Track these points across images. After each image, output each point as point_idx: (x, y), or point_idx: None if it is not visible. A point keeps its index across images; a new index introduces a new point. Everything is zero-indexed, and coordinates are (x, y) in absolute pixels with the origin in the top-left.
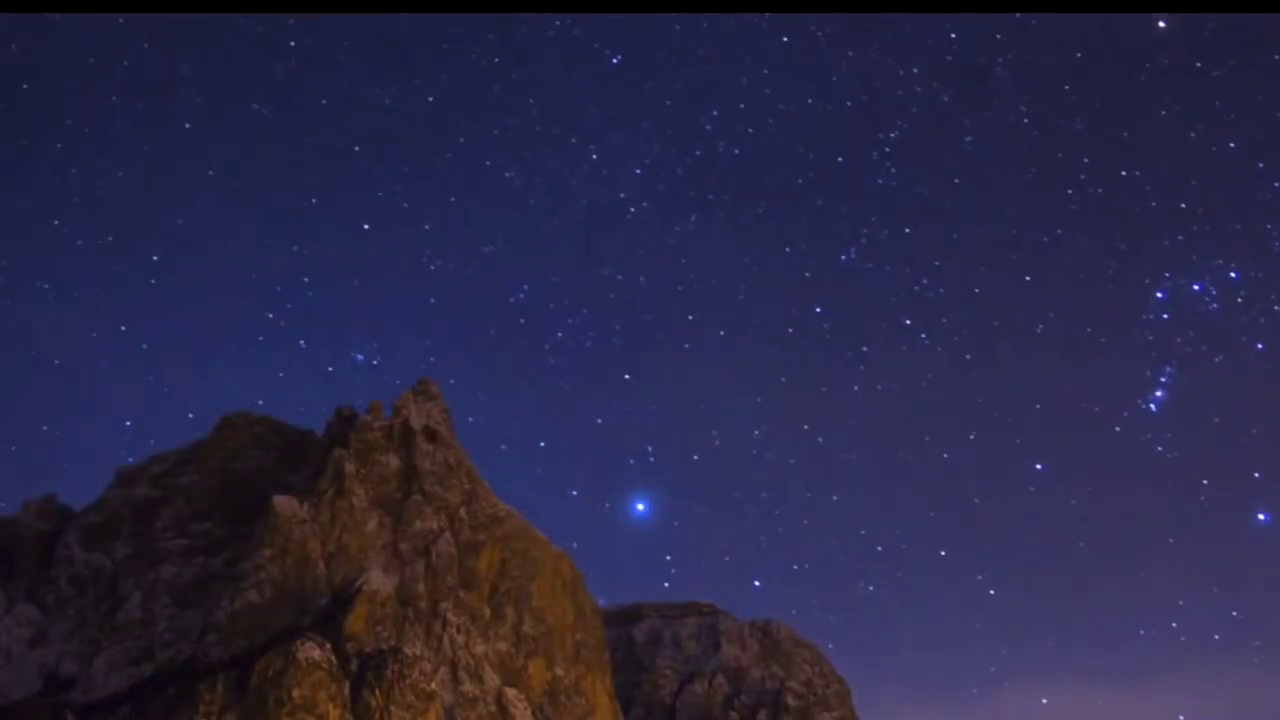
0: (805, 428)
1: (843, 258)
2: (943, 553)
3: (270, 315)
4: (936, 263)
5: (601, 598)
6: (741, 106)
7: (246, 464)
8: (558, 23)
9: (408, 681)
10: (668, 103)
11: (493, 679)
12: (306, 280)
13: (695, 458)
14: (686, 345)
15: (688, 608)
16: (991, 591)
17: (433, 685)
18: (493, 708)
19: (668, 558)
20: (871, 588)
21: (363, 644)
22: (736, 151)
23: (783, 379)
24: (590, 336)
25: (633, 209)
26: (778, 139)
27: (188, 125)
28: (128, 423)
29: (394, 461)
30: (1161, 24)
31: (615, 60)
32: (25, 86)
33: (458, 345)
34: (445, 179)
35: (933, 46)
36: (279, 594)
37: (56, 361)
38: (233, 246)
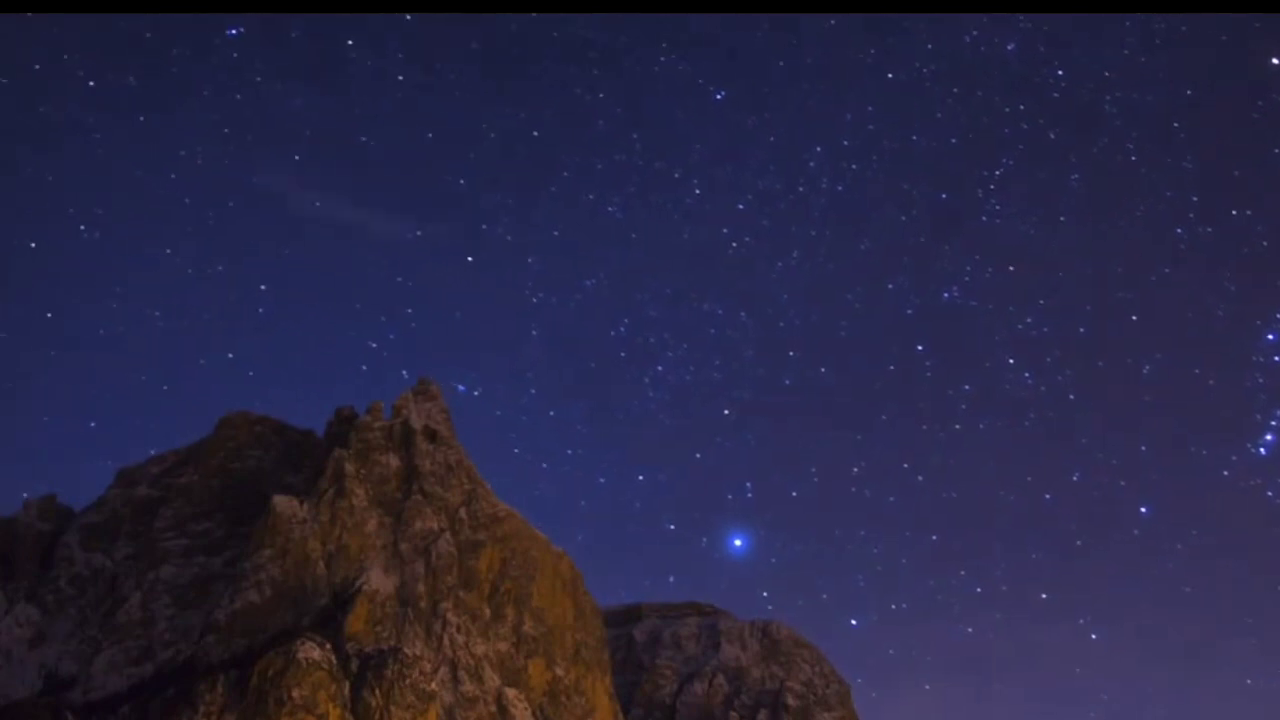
0: (905, 466)
1: (945, 295)
2: (1044, 595)
3: (374, 345)
4: (1041, 301)
5: None
6: (845, 143)
7: (246, 464)
8: (663, 59)
9: (408, 681)
10: (771, 138)
11: (493, 679)
12: (410, 311)
13: (794, 494)
14: (787, 381)
15: (688, 608)
16: (1094, 636)
17: (433, 685)
18: (493, 708)
19: (764, 594)
20: (970, 629)
21: (363, 644)
22: (839, 188)
23: (883, 416)
24: (690, 371)
25: (735, 244)
26: (881, 175)
27: (296, 157)
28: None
29: (394, 461)
30: (1275, 60)
31: (720, 96)
32: (141, 118)
33: (558, 378)
34: (549, 213)
35: (1039, 84)
36: (279, 594)
37: (165, 387)
38: (338, 277)
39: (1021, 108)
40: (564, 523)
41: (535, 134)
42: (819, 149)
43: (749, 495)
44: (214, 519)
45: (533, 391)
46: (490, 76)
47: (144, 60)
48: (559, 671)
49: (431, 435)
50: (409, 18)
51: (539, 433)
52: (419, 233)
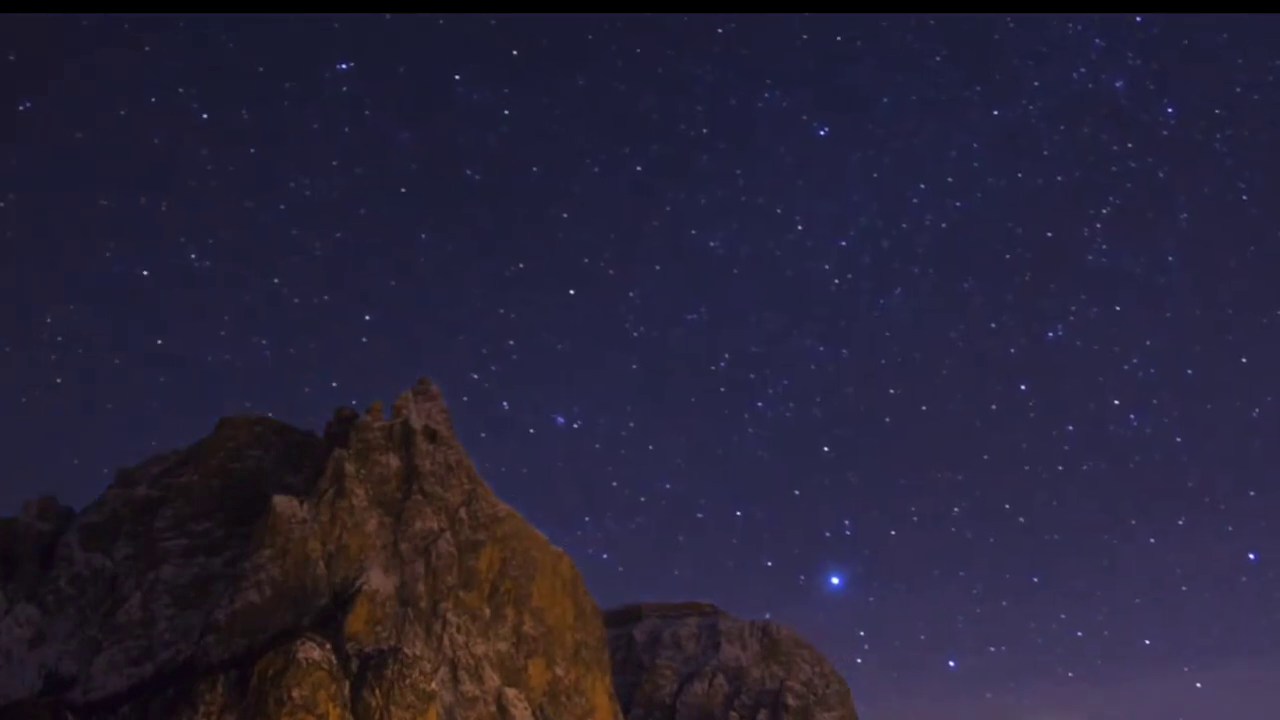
0: (1006, 507)
1: (1050, 335)
2: (1147, 641)
3: (475, 376)
4: (1148, 342)
5: None
6: (949, 179)
7: (246, 464)
8: (766, 94)
9: (408, 681)
10: (875, 175)
11: (493, 679)
12: (511, 343)
13: (892, 533)
14: (887, 419)
15: (688, 608)
16: (1198, 685)
17: (433, 685)
18: (493, 708)
19: (861, 633)
20: (1071, 674)
21: (363, 644)
22: (943, 225)
23: (985, 456)
24: (790, 407)
25: (837, 280)
26: (986, 213)
27: (403, 190)
28: None
29: (394, 461)
30: None
31: (823, 132)
32: (252, 150)
33: (658, 411)
34: (651, 247)
35: (1148, 121)
36: (279, 594)
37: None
38: (441, 309)
39: (1130, 145)
40: (661, 558)
41: (638, 169)
42: (923, 186)
43: (848, 533)
44: (214, 519)
45: (632, 425)
46: (595, 112)
47: (256, 94)
48: (559, 671)
49: (431, 435)
50: (515, 53)
51: (638, 467)
52: (521, 265)
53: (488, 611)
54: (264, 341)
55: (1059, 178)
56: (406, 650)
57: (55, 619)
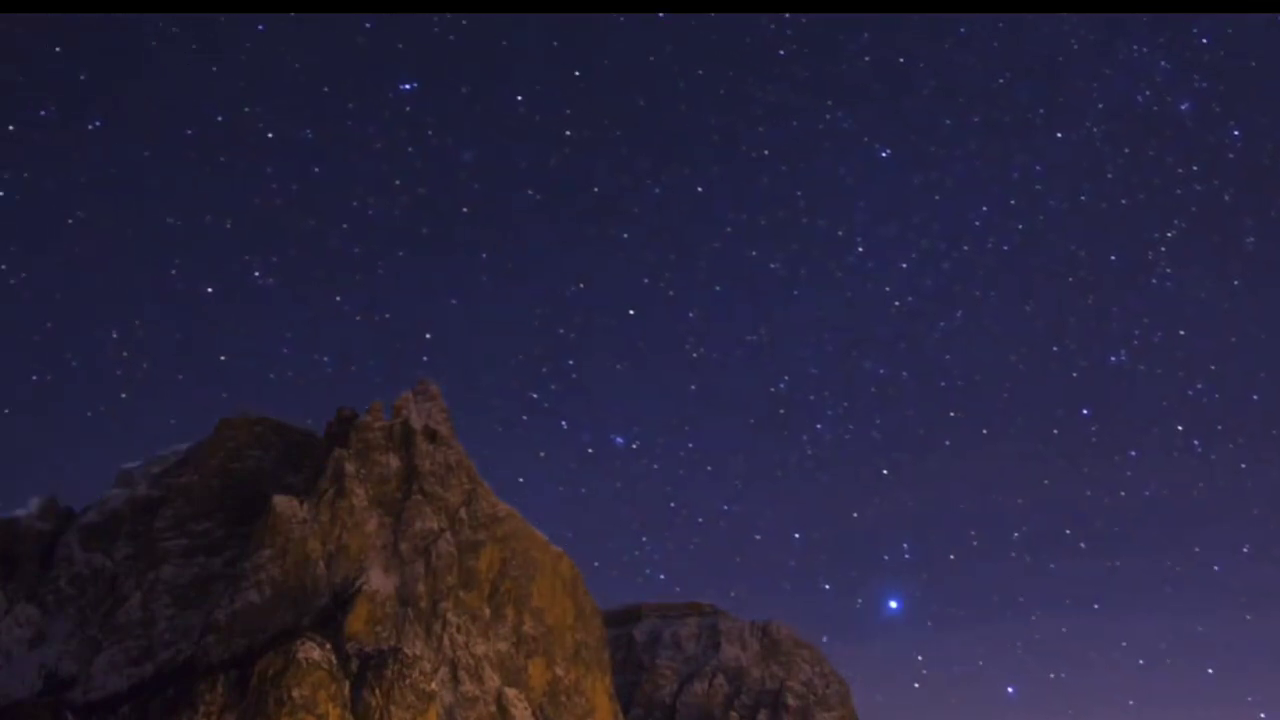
0: (1067, 532)
1: (1112, 359)
2: (1210, 670)
3: (534, 395)
4: (1212, 367)
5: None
6: (1012, 202)
7: (246, 464)
8: (828, 116)
9: (408, 681)
10: (936, 197)
11: (493, 679)
12: (571, 363)
13: (951, 557)
14: (947, 442)
15: (688, 608)
16: (1262, 715)
17: (433, 685)
18: (493, 708)
19: (919, 657)
20: (1131, 702)
21: (363, 644)
22: (1005, 247)
23: (1045, 481)
24: (850, 430)
25: (897, 303)
26: (1048, 235)
27: (465, 209)
28: None
29: (394, 461)
30: None
31: (885, 153)
32: (316, 170)
33: (716, 433)
34: (711, 268)
35: (1214, 144)
36: (279, 594)
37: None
38: (501, 328)
39: (1195, 168)
40: (719, 579)
41: (699, 189)
42: (985, 208)
43: (906, 557)
44: (214, 519)
45: (690, 446)
46: (656, 133)
47: (320, 113)
48: (559, 671)
49: (431, 435)
50: (577, 74)
51: (696, 487)
52: (581, 285)
53: (488, 611)
54: (325, 358)
55: (1123, 200)
56: (406, 650)
57: (55, 619)
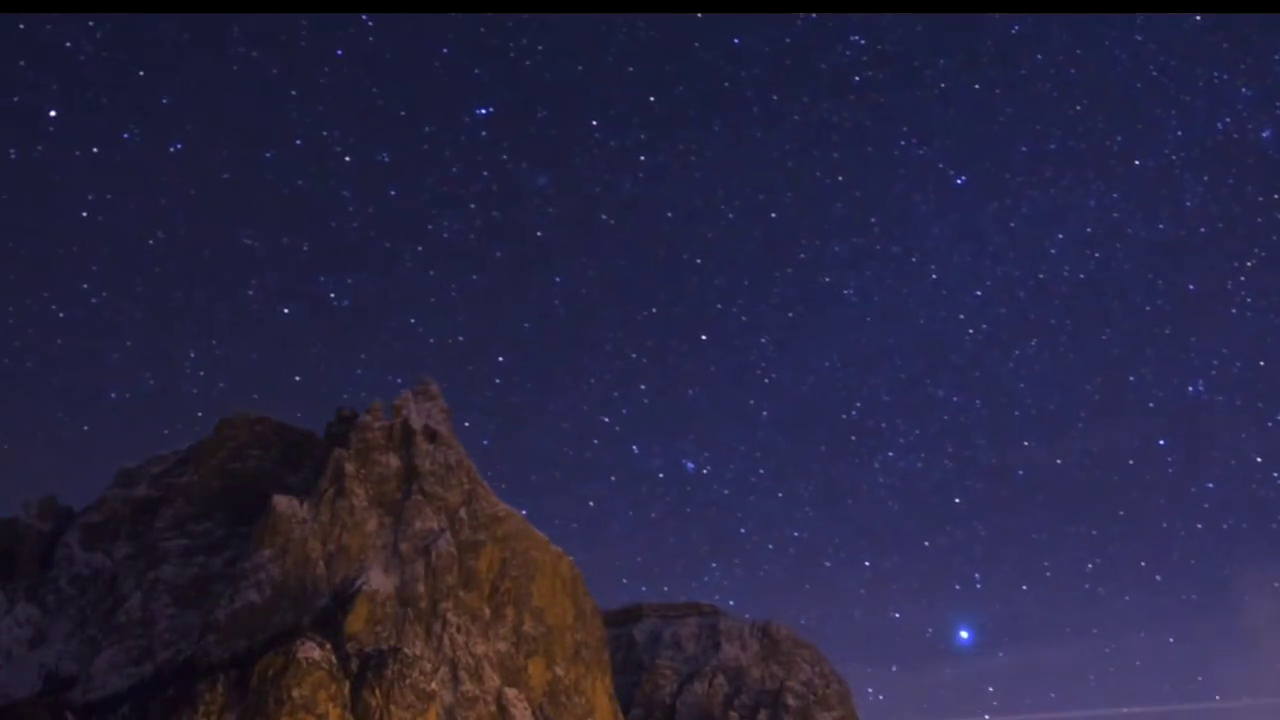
0: (1142, 564)
1: (1190, 390)
2: None
3: (605, 420)
4: None
5: None
6: (1088, 230)
7: (246, 464)
8: (903, 143)
9: (408, 681)
10: (1012, 224)
11: (493, 679)
12: (643, 387)
13: (1024, 587)
14: (1020, 472)
15: (688, 608)
16: None
17: (433, 685)
18: (493, 708)
19: (990, 689)
20: None
21: (363, 644)
22: (1081, 276)
23: (1120, 512)
24: (921, 458)
25: (971, 330)
26: (1125, 264)
27: (539, 233)
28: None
29: (394, 461)
30: None
31: (960, 180)
32: (392, 193)
33: (788, 459)
34: (784, 294)
35: None
36: (279, 594)
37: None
38: (574, 352)
39: (1276, 196)
40: (788, 606)
41: (773, 215)
42: (1061, 236)
43: (978, 586)
44: (214, 519)
45: (761, 471)
46: (730, 158)
47: (396, 137)
48: (559, 671)
49: (431, 435)
50: (652, 99)
51: (766, 514)
52: (654, 310)
53: (488, 611)
54: (399, 380)
55: (1202, 229)
56: (406, 650)
57: (55, 619)
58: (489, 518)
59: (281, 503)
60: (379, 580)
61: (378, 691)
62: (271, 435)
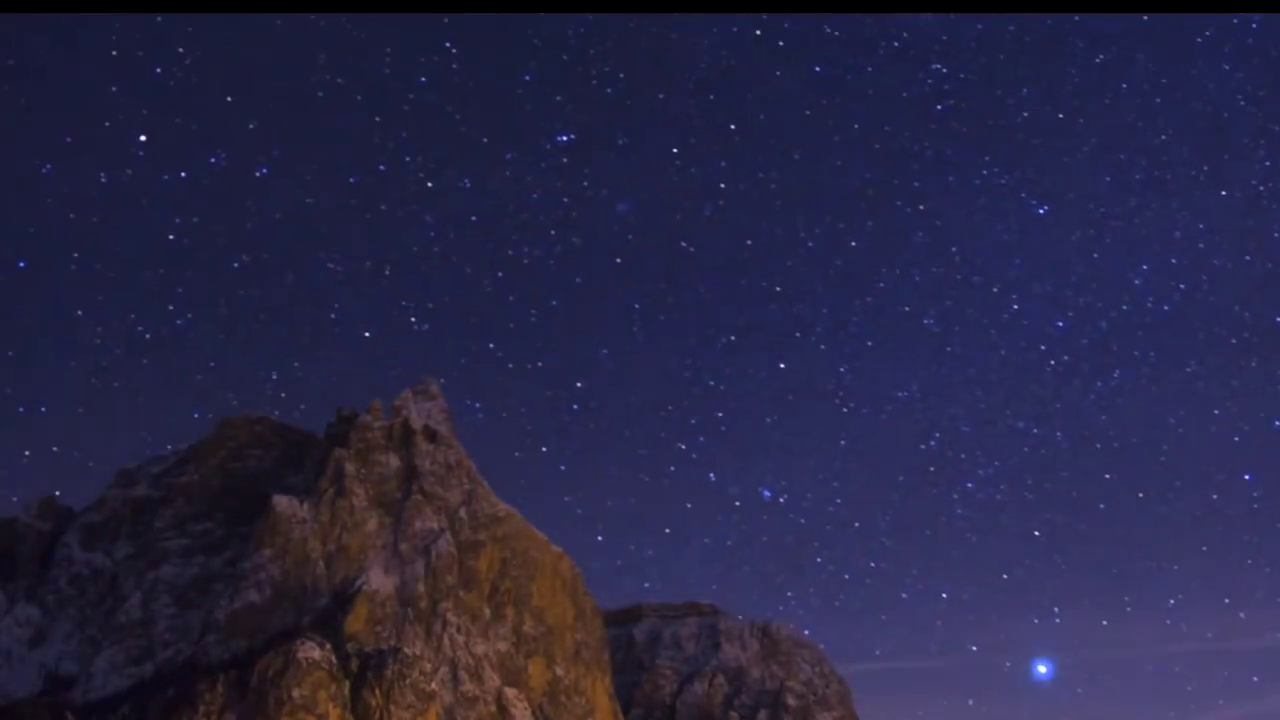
0: (1226, 601)
1: (1277, 423)
2: None
3: (683, 447)
4: None
5: None
6: (1173, 261)
7: (246, 464)
8: (985, 172)
9: (408, 681)
10: (1095, 255)
11: (493, 679)
12: (720, 415)
13: (1104, 623)
14: (1101, 505)
15: (688, 608)
16: None
17: (433, 685)
18: (493, 708)
19: None
20: None
21: (363, 644)
22: (1166, 307)
23: (1204, 548)
24: (1000, 489)
25: (1053, 362)
26: (1211, 296)
27: (618, 260)
28: None
29: (394, 461)
30: None
31: (1043, 210)
32: (473, 219)
33: (866, 488)
34: (863, 323)
35: None
36: (279, 594)
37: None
38: (652, 378)
39: None
40: (863, 636)
41: (853, 244)
42: (1145, 267)
43: (1057, 621)
44: (214, 519)
45: (838, 501)
46: (810, 186)
47: (478, 164)
48: (559, 671)
49: (431, 435)
50: (732, 127)
51: (842, 543)
52: (732, 338)
53: (488, 611)
54: (477, 405)
55: None
56: (406, 650)
57: (55, 619)
58: (489, 518)
59: (281, 503)
60: (379, 580)
61: (378, 691)
62: (272, 435)
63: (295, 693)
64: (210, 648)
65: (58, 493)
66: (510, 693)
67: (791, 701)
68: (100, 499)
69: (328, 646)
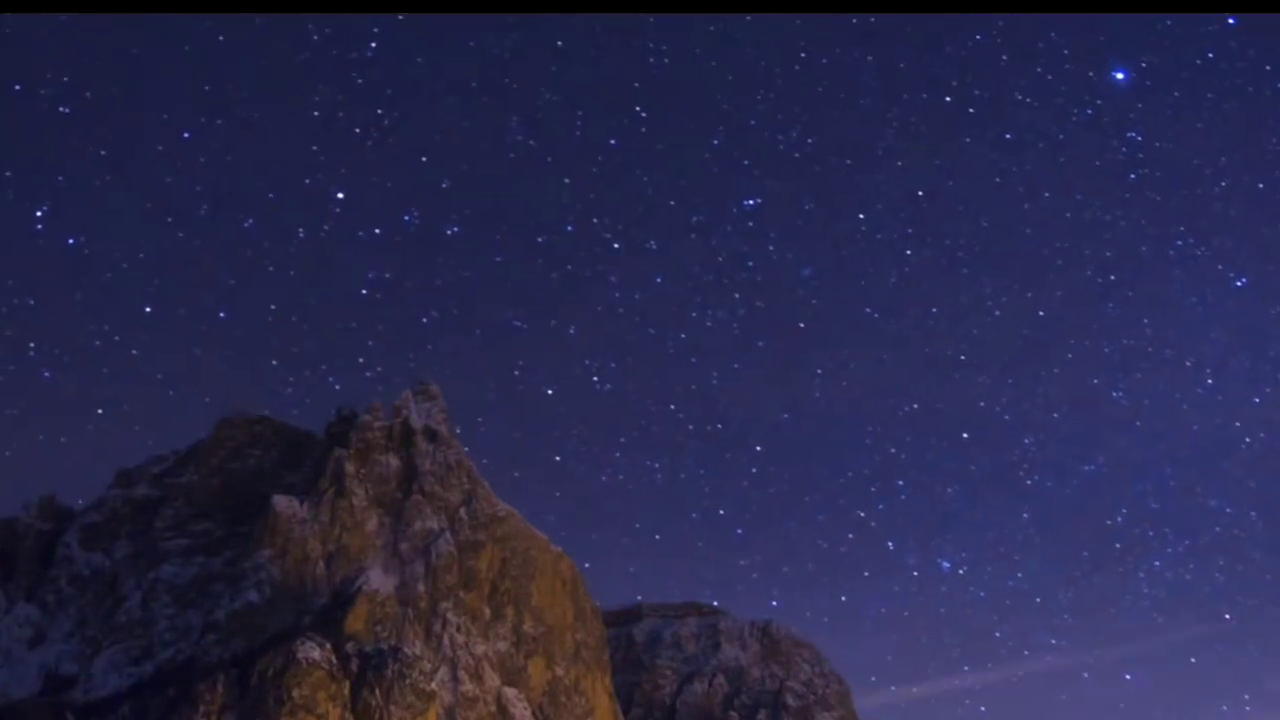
0: None
1: None
2: None
3: (862, 514)
4: None
5: None
6: None
7: (246, 464)
8: (1179, 242)
9: (408, 681)
10: None
11: (493, 679)
12: (900, 483)
13: None
14: None
15: (688, 608)
16: None
17: (433, 685)
18: (493, 708)
19: None
20: None
21: (363, 644)
22: None
23: None
24: (1190, 569)
25: (1248, 439)
26: None
27: (801, 325)
28: None
29: (394, 461)
30: None
31: (1241, 282)
32: (658, 280)
33: (1048, 564)
34: (1050, 394)
35: None
36: (279, 594)
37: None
38: (832, 445)
39: None
40: (1043, 714)
41: (1040, 313)
42: None
43: (1247, 709)
44: (214, 519)
45: (1019, 575)
46: (997, 254)
47: (665, 226)
48: (559, 671)
49: (431, 435)
50: (920, 193)
51: (1023, 619)
52: (915, 406)
53: (488, 611)
54: (656, 465)
55: None
56: (406, 650)
57: (55, 619)
58: (489, 518)
59: (281, 503)
60: (379, 580)
61: (378, 691)
62: (271, 435)
63: (295, 692)
64: (210, 647)
65: (57, 493)
66: (510, 693)
67: (791, 701)
68: (100, 499)
69: (328, 646)
